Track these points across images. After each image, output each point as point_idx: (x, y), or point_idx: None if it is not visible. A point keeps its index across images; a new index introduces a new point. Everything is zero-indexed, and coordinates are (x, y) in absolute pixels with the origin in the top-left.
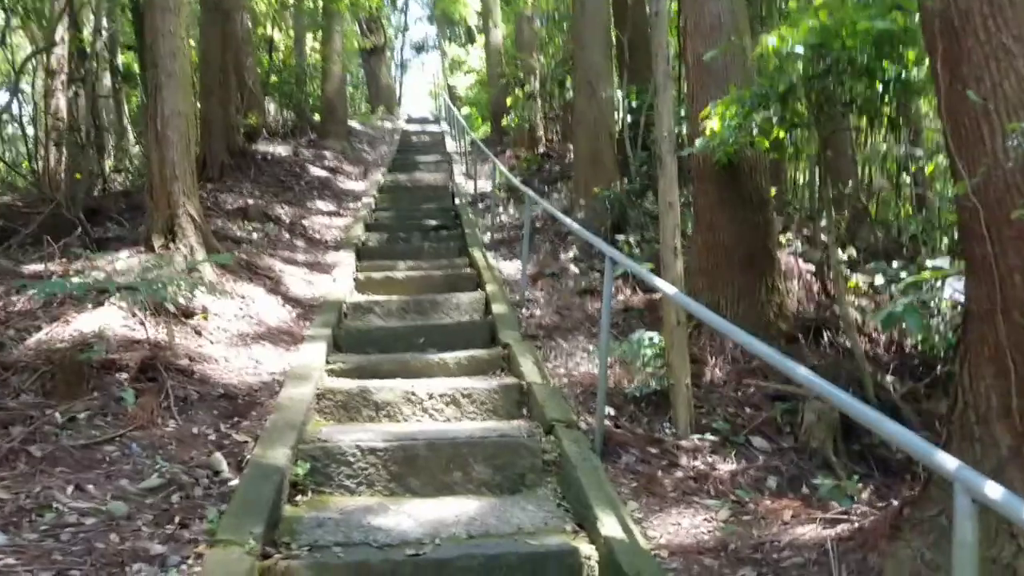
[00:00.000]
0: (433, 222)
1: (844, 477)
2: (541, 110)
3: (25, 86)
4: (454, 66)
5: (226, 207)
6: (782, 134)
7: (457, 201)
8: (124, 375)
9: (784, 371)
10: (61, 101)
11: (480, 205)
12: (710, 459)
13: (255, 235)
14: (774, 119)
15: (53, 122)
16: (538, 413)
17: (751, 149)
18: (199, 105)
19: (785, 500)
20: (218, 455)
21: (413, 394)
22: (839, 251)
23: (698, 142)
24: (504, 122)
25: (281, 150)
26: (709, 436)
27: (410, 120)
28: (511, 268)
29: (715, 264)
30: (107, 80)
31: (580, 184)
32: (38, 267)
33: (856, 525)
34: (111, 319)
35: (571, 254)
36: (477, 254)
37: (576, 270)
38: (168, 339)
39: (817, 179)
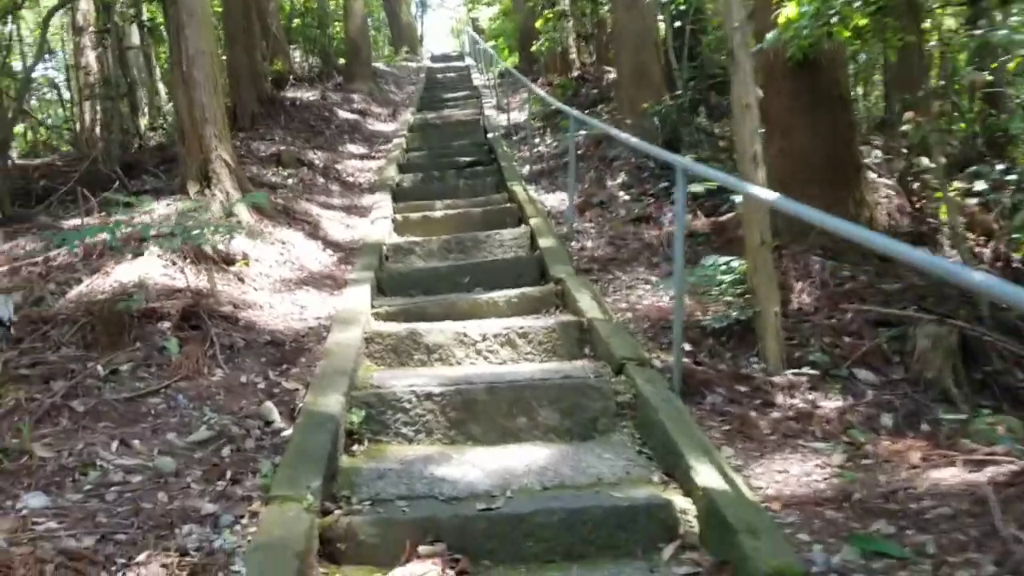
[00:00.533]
0: (467, 159)
1: (968, 411)
2: (573, 30)
3: (58, 52)
4: None
5: (259, 154)
6: (863, 21)
7: (490, 135)
8: (166, 324)
9: (957, 281)
10: (91, 57)
11: (514, 137)
12: (810, 396)
13: (290, 180)
14: (857, 3)
15: (84, 78)
16: (603, 351)
17: (829, 41)
18: (225, 56)
19: (908, 440)
20: (269, 404)
21: (465, 335)
22: (938, 155)
23: (769, 36)
24: (533, 48)
25: (309, 95)
26: (806, 370)
27: (434, 58)
28: (554, 200)
29: (793, 175)
30: (135, 37)
31: (624, 103)
32: (77, 221)
33: (1016, 467)
34: (151, 268)
35: (619, 180)
36: (517, 188)
37: (626, 196)
38: (210, 286)
39: (893, 78)
